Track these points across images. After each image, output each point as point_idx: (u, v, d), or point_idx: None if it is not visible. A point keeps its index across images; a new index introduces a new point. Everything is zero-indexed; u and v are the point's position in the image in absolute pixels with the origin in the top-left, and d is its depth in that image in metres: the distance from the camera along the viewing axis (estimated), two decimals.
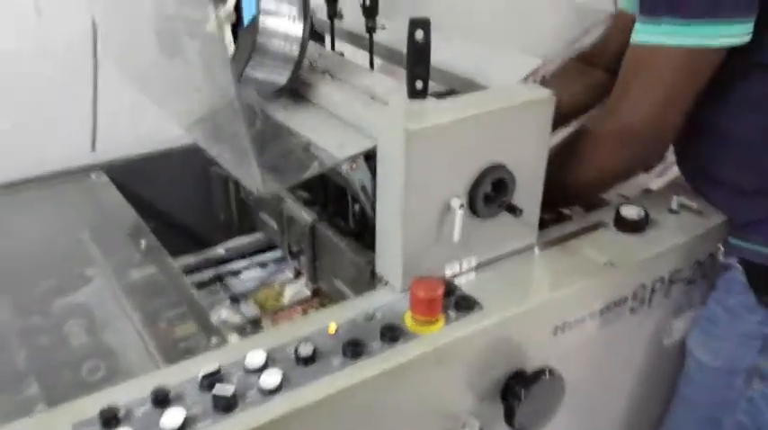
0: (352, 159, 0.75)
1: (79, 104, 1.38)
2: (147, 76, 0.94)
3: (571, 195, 1.00)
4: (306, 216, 0.98)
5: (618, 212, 0.94)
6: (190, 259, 1.13)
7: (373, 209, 0.80)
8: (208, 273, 1.11)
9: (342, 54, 1.03)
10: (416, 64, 0.78)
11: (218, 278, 1.10)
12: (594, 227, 0.95)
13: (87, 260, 0.99)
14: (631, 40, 0.84)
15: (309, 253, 1.00)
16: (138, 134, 1.31)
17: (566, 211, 1.12)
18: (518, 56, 0.88)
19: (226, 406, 0.62)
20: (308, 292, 1.04)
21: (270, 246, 1.17)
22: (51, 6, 1.35)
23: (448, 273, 0.82)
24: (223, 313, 1.00)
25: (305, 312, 1.01)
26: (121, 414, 0.61)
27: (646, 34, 0.82)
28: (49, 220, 1.03)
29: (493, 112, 0.77)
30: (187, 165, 1.14)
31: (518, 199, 0.83)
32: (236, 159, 0.73)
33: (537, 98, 0.80)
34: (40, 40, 1.34)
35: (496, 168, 0.79)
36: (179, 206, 1.20)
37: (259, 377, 0.65)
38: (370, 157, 0.78)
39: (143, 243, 0.94)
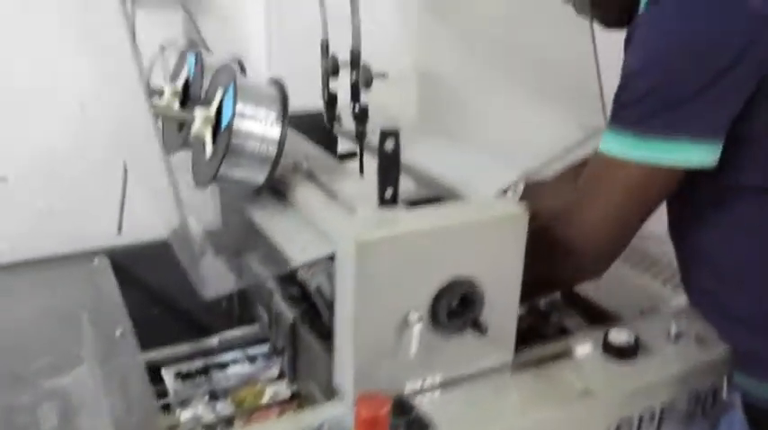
0: (309, 265, 0.75)
1: (111, 190, 1.44)
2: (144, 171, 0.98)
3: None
4: (288, 313, 0.98)
5: (606, 336, 0.89)
6: (184, 348, 1.14)
7: (332, 314, 0.78)
8: (197, 364, 1.11)
9: (346, 155, 1.05)
10: (386, 173, 0.78)
11: (206, 370, 1.10)
12: (580, 350, 0.90)
13: (78, 343, 1.01)
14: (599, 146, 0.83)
15: (290, 352, 0.99)
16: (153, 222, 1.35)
17: (566, 325, 1.08)
18: (501, 167, 0.87)
19: None
20: (287, 393, 1.02)
21: (264, 340, 1.16)
22: (93, 103, 1.44)
23: (408, 389, 0.79)
24: (199, 409, 0.99)
25: (281, 414, 0.99)
26: None
27: (607, 143, 0.81)
28: (47, 301, 1.06)
29: (458, 226, 0.76)
30: None
31: (491, 316, 0.80)
32: (187, 259, 0.74)
33: (508, 213, 0.78)
34: (80, 134, 1.43)
35: (462, 283, 0.77)
36: (184, 293, 1.22)
37: None
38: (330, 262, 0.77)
39: (119, 330, 0.95)
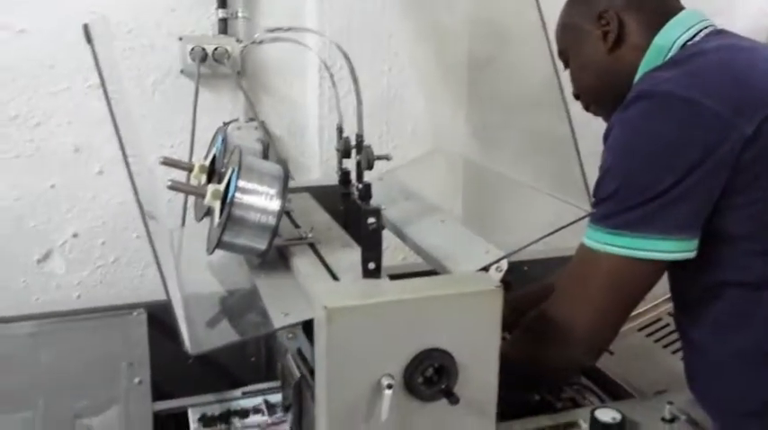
0: (288, 328, 0.81)
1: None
2: None
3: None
4: (295, 371, 1.04)
5: (592, 415, 0.90)
6: (209, 397, 1.22)
7: (312, 376, 0.84)
8: (219, 408, 1.18)
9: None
10: (368, 248, 0.84)
11: (227, 417, 1.17)
12: (570, 426, 0.91)
13: (107, 389, 1.11)
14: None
15: (296, 409, 1.04)
16: None
17: (578, 401, 1.08)
18: (486, 245, 0.91)
19: None
20: None
21: None
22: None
23: None
24: None
25: None
26: None
27: (588, 236, 0.84)
28: (92, 348, 1.18)
29: (432, 298, 0.80)
30: None
31: (468, 387, 0.83)
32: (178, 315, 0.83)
33: (483, 289, 0.82)
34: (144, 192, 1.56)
35: (435, 353, 0.81)
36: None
37: None
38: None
39: (136, 380, 1.04)
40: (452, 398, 0.81)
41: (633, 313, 1.11)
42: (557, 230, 0.89)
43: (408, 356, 0.80)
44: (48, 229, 1.53)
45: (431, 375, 0.82)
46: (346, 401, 0.80)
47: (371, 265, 0.84)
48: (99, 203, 1.55)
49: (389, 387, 0.79)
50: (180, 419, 1.18)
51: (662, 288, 1.04)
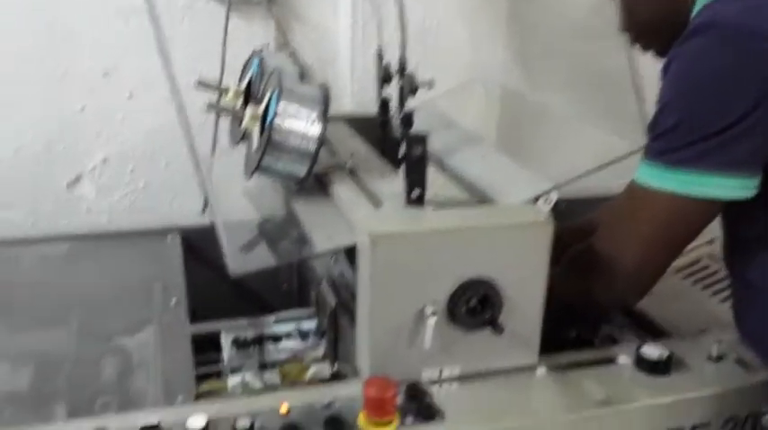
0: (331, 253, 0.79)
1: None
2: None
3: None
4: (330, 299, 1.02)
5: (638, 350, 0.88)
6: (243, 322, 1.21)
7: (353, 300, 0.82)
8: (253, 333, 1.18)
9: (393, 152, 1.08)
10: (413, 175, 0.81)
11: (260, 340, 1.17)
12: (614, 361, 0.89)
13: (141, 310, 1.10)
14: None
15: (331, 335, 1.04)
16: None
17: (616, 338, 1.06)
18: (535, 176, 0.88)
19: None
20: (327, 374, 1.06)
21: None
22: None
23: (425, 377, 0.82)
24: (247, 376, 1.05)
25: None
26: None
27: (640, 173, 0.82)
28: (126, 270, 1.17)
29: (479, 228, 0.77)
30: None
31: (513, 318, 0.81)
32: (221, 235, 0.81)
33: (533, 221, 0.79)
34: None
35: (480, 283, 0.79)
36: (251, 274, 1.30)
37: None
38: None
39: (173, 302, 1.03)
40: (497, 328, 0.80)
41: None
42: (609, 164, 0.85)
43: (453, 286, 0.78)
44: (77, 154, 1.50)
45: (474, 305, 0.80)
46: (389, 328, 0.78)
47: (415, 193, 0.81)
48: (129, 128, 1.52)
49: (433, 314, 0.77)
50: (213, 342, 1.17)
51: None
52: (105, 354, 1.03)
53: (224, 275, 1.31)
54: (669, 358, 0.86)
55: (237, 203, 1.22)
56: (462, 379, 0.83)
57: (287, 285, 1.29)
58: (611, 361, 0.89)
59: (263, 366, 1.10)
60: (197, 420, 0.71)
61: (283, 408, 0.75)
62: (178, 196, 1.57)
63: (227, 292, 1.30)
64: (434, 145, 1.05)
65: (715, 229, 0.94)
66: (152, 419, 0.71)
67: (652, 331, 1.08)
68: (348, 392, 0.79)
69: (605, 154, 0.89)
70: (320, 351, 1.14)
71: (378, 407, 0.73)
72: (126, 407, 0.91)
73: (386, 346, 0.79)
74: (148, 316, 1.08)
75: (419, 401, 0.78)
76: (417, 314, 0.78)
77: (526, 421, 0.78)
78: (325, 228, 0.84)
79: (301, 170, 0.88)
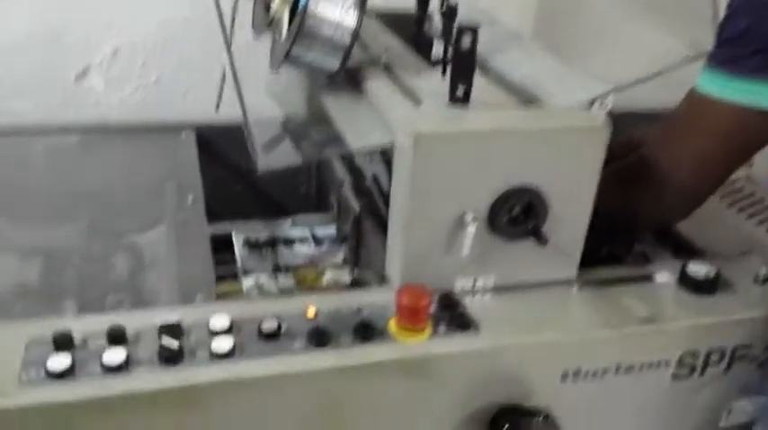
0: (367, 152, 0.73)
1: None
2: None
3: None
4: (354, 204, 0.97)
5: (683, 268, 0.83)
6: (258, 224, 1.16)
7: (386, 204, 0.77)
8: (265, 234, 1.13)
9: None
10: (460, 70, 0.74)
11: (273, 243, 1.12)
12: (653, 278, 0.84)
13: (153, 208, 1.05)
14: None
15: (353, 241, 0.99)
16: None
17: (650, 256, 1.01)
18: (589, 78, 0.80)
19: (168, 357, 0.63)
20: (347, 280, 1.02)
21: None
22: None
23: (458, 287, 0.77)
24: (261, 278, 1.01)
25: None
26: (76, 341, 0.64)
27: (702, 80, 0.75)
28: (137, 166, 1.11)
29: (528, 131, 0.71)
30: None
31: (556, 229, 0.76)
32: (247, 133, 0.75)
33: (587, 125, 0.73)
34: (195, 9, 1.44)
35: (526, 191, 0.73)
36: (265, 174, 1.24)
37: (211, 340, 0.65)
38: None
39: (189, 200, 0.98)
40: (541, 239, 0.74)
41: None
42: (669, 69, 0.78)
43: (496, 192, 0.72)
44: (86, 45, 1.42)
45: (517, 214, 0.74)
46: (425, 234, 0.73)
47: (460, 91, 0.74)
48: (139, 20, 1.44)
49: (474, 221, 0.72)
50: (226, 244, 1.13)
51: None
52: (116, 251, 0.99)
53: (239, 175, 1.27)
54: (717, 276, 0.81)
55: (257, 103, 1.16)
56: (497, 290, 0.78)
57: (305, 188, 1.24)
58: (649, 278, 0.84)
59: (278, 269, 1.06)
60: (220, 320, 0.67)
61: (310, 312, 0.71)
62: (190, 92, 1.50)
63: (241, 193, 1.25)
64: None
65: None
66: (171, 317, 0.66)
67: (687, 251, 1.03)
68: (376, 299, 0.75)
69: (661, 59, 0.81)
70: (338, 257, 1.09)
71: (411, 315, 0.69)
72: (139, 306, 0.87)
73: (420, 253, 0.74)
74: (161, 213, 1.02)
75: (452, 311, 0.74)
76: (456, 221, 0.73)
77: (564, 335, 0.74)
78: (359, 127, 0.77)
79: (334, 63, 0.80)
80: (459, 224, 0.73)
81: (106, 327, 0.65)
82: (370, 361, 0.67)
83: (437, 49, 1.13)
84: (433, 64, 0.95)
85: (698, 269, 0.82)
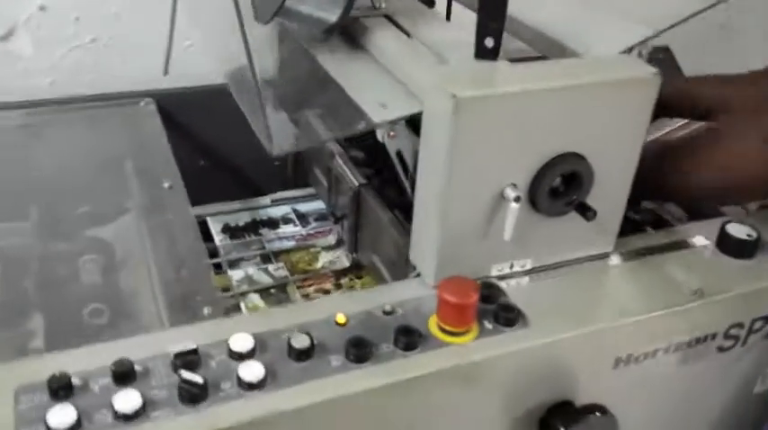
0: (391, 124, 0.63)
1: (160, 27, 1.29)
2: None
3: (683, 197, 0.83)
4: (353, 179, 0.87)
5: (723, 229, 0.77)
6: (234, 205, 1.05)
7: (412, 182, 0.67)
8: (245, 217, 1.02)
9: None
10: (489, 16, 0.63)
11: (255, 226, 1.01)
12: (690, 243, 0.78)
13: (122, 192, 0.92)
14: None
15: (352, 220, 0.89)
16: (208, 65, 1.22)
17: (665, 216, 0.95)
18: (624, 23, 0.71)
19: (192, 397, 0.53)
20: (346, 263, 0.93)
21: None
22: None
23: (494, 273, 0.69)
24: (250, 270, 0.91)
25: (337, 283, 0.91)
26: (75, 383, 0.53)
27: None
28: (88, 144, 0.97)
29: (575, 88, 0.62)
30: None
31: (596, 198, 0.68)
32: (251, 110, 0.62)
33: (637, 76, 0.64)
34: None
35: (570, 158, 0.64)
36: (233, 148, 1.11)
37: (238, 367, 0.55)
38: (413, 122, 0.65)
39: (166, 182, 0.85)
40: (588, 214, 0.67)
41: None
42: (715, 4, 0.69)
43: (540, 161, 0.63)
44: (9, 1, 1.23)
45: (557, 186, 0.66)
46: (463, 216, 0.64)
47: (489, 42, 0.64)
48: None
49: (517, 199, 0.63)
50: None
51: None
52: (81, 249, 0.86)
53: (202, 150, 1.14)
54: (758, 239, 0.76)
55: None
56: (533, 272, 0.71)
57: (279, 162, 1.12)
58: (686, 244, 0.78)
59: (265, 257, 0.96)
60: (241, 340, 0.57)
61: (341, 318, 0.61)
62: (133, 53, 1.33)
63: (207, 170, 1.13)
64: None
65: None
66: (184, 342, 0.56)
67: (696, 212, 0.97)
68: (407, 294, 0.66)
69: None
70: (330, 239, 1.00)
71: (458, 314, 0.61)
72: (122, 317, 0.76)
73: (456, 239, 0.65)
74: (128, 200, 0.90)
75: (496, 303, 0.65)
76: (496, 198, 0.64)
77: (618, 320, 0.67)
78: (373, 92, 0.66)
79: (332, 13, 0.69)
80: (499, 202, 0.64)
81: (108, 362, 0.54)
82: (420, 373, 0.58)
83: None
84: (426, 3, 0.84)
85: (737, 230, 0.76)
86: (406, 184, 0.70)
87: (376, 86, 0.67)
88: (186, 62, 1.26)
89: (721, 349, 0.75)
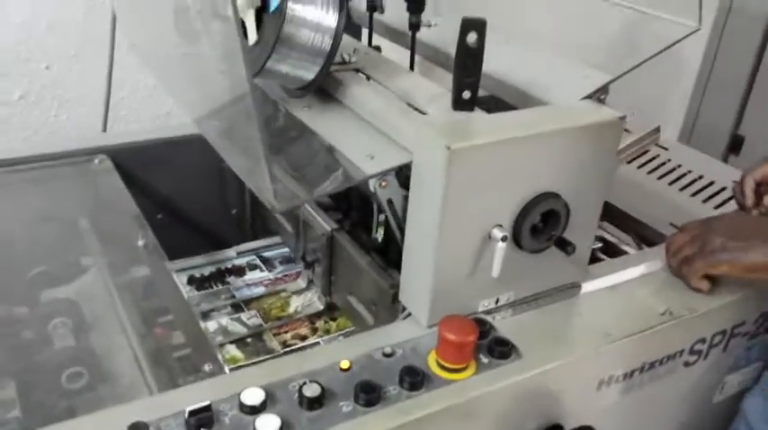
0: (383, 175, 0.65)
1: (94, 83, 1.27)
2: (162, 59, 0.84)
3: None
4: (324, 224, 0.88)
5: None
6: (198, 260, 1.03)
7: (401, 229, 0.69)
8: (210, 268, 1.01)
9: (379, 49, 0.92)
10: (466, 71, 0.67)
11: (220, 275, 1.00)
12: (649, 268, 0.84)
13: (81, 250, 0.90)
14: None
15: (325, 264, 0.90)
16: (152, 118, 1.21)
17: (615, 242, 1.01)
18: (583, 68, 0.77)
19: None
20: (319, 306, 0.94)
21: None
22: None
23: (481, 308, 0.72)
24: (223, 321, 0.90)
25: (313, 327, 0.91)
26: None
27: None
28: (45, 204, 0.94)
29: (550, 134, 0.66)
30: (201, 156, 1.02)
31: (570, 233, 0.72)
32: (248, 166, 0.63)
33: (603, 121, 0.69)
34: (56, 10, 1.24)
35: (548, 197, 0.68)
36: (190, 199, 1.10)
37: (254, 421, 0.55)
38: (399, 172, 0.67)
39: (141, 239, 0.84)
40: (568, 248, 0.71)
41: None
42: (664, 50, 0.76)
43: (521, 202, 0.67)
44: None
45: (537, 223, 0.70)
46: (454, 257, 0.66)
47: (467, 94, 0.68)
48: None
49: (504, 239, 0.66)
50: None
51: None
52: (48, 311, 0.83)
53: (160, 204, 1.11)
54: None
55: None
56: (516, 305, 0.74)
57: (237, 211, 1.12)
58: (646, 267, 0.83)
59: (236, 306, 0.95)
60: (253, 395, 0.57)
61: (344, 363, 0.62)
62: (62, 108, 1.30)
63: (165, 224, 1.10)
64: (430, 36, 0.89)
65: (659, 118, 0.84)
66: (197, 399, 0.55)
67: (645, 237, 1.03)
68: (402, 335, 0.68)
69: (658, 39, 0.78)
70: (301, 281, 1.00)
71: (457, 353, 0.63)
72: (104, 380, 0.73)
73: (447, 278, 0.67)
74: (89, 259, 0.87)
75: (488, 337, 0.68)
76: (483, 239, 0.67)
77: (605, 345, 0.71)
78: (359, 145, 0.68)
79: (310, 73, 0.71)
80: (487, 242, 0.67)
81: (123, 428, 0.53)
82: (428, 412, 0.60)
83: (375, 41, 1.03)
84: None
85: None
86: (396, 231, 0.71)
87: (360, 139, 0.69)
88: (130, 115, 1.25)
89: (687, 364, 0.80)
